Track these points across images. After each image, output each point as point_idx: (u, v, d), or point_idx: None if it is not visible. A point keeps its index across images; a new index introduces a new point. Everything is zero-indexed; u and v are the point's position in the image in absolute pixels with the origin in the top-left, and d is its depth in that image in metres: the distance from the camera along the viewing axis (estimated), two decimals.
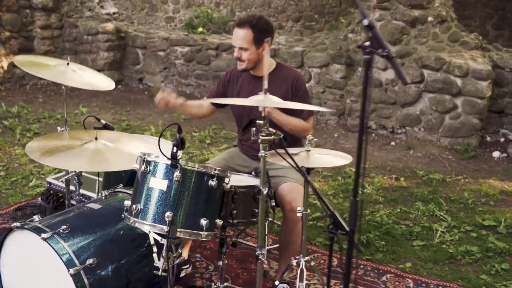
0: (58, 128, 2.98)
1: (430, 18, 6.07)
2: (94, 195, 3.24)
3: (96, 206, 2.47)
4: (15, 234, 2.24)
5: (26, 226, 2.20)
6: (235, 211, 2.33)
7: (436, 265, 3.37)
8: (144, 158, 2.16)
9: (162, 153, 2.07)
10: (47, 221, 2.26)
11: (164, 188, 2.09)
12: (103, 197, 2.62)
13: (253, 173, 2.88)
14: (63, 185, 3.21)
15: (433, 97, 5.87)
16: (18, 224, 2.23)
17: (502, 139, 5.98)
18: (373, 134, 6.12)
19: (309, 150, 2.42)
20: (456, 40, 6.06)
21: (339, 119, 6.51)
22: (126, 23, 9.13)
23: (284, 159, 2.19)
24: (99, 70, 7.16)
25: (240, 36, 2.83)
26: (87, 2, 8.47)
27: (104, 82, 2.98)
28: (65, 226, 2.19)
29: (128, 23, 9.68)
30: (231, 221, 2.32)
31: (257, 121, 2.10)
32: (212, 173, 2.15)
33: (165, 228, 2.07)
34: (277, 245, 3.08)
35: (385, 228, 3.78)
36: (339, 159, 2.36)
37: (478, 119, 5.71)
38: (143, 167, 2.13)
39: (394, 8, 6.12)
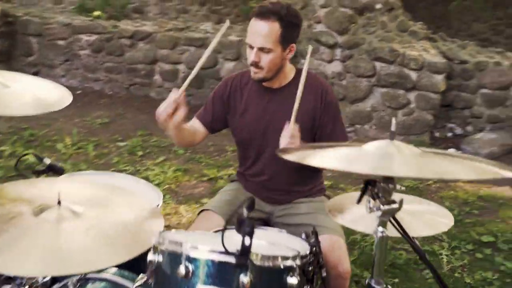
0: None
1: (378, 5, 5.58)
2: None
3: None
4: None
5: None
6: None
7: None
8: (181, 253, 1.28)
9: (226, 250, 1.21)
10: None
11: None
12: None
13: (303, 235, 1.92)
14: None
15: (386, 92, 5.43)
16: None
17: (449, 134, 5.73)
18: None
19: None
20: (405, 29, 5.66)
21: None
22: (13, 5, 7.60)
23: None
24: None
25: (264, 32, 1.97)
26: None
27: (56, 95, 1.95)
28: None
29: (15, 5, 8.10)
30: None
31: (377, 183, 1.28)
32: (294, 266, 1.33)
33: None
34: None
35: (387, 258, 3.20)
36: (442, 219, 1.63)
37: (432, 115, 5.38)
38: (180, 268, 1.25)
39: None
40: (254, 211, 2.18)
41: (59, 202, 1.48)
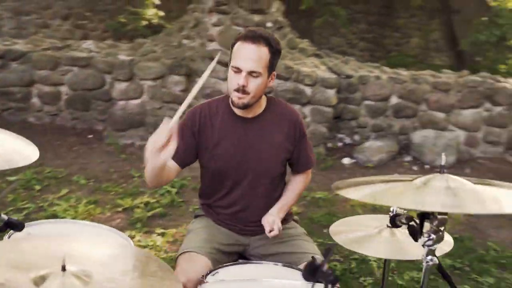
0: None
1: (269, 24, 5.74)
2: None
3: None
4: None
5: None
6: None
7: None
8: None
9: None
10: None
11: None
12: None
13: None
14: None
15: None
16: None
17: (339, 144, 6.10)
18: None
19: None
20: (294, 47, 5.91)
21: None
22: None
23: None
24: None
25: (255, 56, 1.90)
26: None
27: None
28: None
29: None
30: None
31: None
32: None
33: None
34: None
35: None
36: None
37: (326, 127, 5.68)
38: None
39: (234, 12, 5.59)
40: (230, 245, 2.11)
41: (63, 268, 1.27)
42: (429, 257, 1.33)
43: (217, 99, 2.21)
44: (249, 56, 1.90)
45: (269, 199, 2.14)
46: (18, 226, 1.70)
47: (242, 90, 1.92)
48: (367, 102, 5.94)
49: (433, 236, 1.27)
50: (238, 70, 1.92)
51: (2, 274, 1.27)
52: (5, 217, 1.68)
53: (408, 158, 5.78)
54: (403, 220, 1.48)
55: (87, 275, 1.29)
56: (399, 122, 5.98)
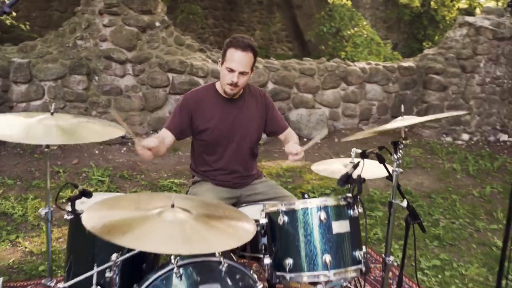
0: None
1: (157, 23, 6.24)
2: None
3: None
4: None
5: None
6: None
7: None
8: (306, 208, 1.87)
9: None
10: None
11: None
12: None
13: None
14: None
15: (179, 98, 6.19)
16: None
17: None
18: (129, 144, 5.88)
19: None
20: (181, 43, 6.49)
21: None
22: None
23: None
24: None
25: (245, 61, 2.55)
26: None
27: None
28: None
29: None
30: None
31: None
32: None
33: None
34: None
35: None
36: None
37: None
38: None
39: (125, 13, 5.98)
40: (228, 199, 2.74)
41: (172, 206, 1.85)
42: (398, 170, 2.19)
43: (203, 87, 2.86)
44: (240, 61, 2.55)
45: (251, 157, 2.84)
46: (89, 194, 2.15)
47: (235, 84, 2.58)
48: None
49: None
50: (231, 70, 2.57)
51: (133, 212, 1.81)
52: (81, 187, 2.13)
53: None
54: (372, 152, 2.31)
55: (188, 210, 1.88)
56: (277, 104, 6.96)
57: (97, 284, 2.01)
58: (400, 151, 2.20)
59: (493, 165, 6.11)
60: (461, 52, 7.51)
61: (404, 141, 2.25)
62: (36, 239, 3.49)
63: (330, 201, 1.94)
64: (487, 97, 7.62)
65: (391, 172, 2.28)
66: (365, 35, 10.29)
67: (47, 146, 2.17)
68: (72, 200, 2.13)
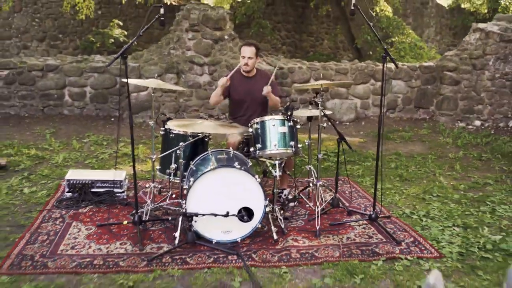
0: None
1: (226, 37, 8.62)
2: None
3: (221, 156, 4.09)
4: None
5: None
6: None
7: None
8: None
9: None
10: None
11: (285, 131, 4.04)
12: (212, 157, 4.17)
13: None
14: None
15: None
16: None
17: None
18: None
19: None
20: None
21: (176, 114, 8.41)
22: None
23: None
24: None
25: (249, 50, 4.75)
26: None
27: None
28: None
29: None
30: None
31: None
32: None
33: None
34: None
35: None
36: None
37: None
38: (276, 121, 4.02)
39: (203, 30, 8.42)
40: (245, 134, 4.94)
41: (206, 119, 4.09)
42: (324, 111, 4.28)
43: (234, 71, 5.07)
44: (248, 51, 4.75)
45: (261, 110, 5.01)
46: (169, 119, 4.44)
47: (246, 64, 4.78)
48: (295, 84, 8.94)
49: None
50: (244, 57, 4.78)
51: (195, 120, 4.09)
52: (168, 116, 4.43)
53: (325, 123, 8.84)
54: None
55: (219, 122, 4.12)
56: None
57: (174, 162, 4.29)
58: (321, 97, 4.27)
59: (483, 141, 7.73)
60: (473, 52, 9.11)
61: (321, 92, 4.30)
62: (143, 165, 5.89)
63: (279, 117, 4.08)
64: (498, 90, 9.13)
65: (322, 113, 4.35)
66: (409, 42, 12.00)
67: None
68: (164, 121, 4.42)
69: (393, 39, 11.98)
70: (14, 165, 5.52)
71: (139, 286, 3.12)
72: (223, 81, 4.63)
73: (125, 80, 3.93)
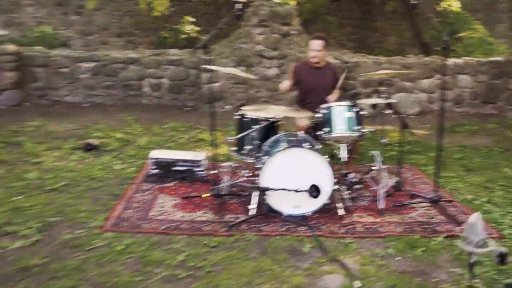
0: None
1: (293, 31, 8.98)
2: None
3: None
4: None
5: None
6: None
7: None
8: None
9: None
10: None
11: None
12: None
13: None
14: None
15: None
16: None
17: None
18: None
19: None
20: None
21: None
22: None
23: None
24: (1, 90, 7.85)
25: (318, 44, 5.10)
26: None
27: None
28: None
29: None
30: None
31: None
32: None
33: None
34: None
35: None
36: None
37: None
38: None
39: (272, 26, 8.83)
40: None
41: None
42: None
43: (301, 62, 5.42)
44: (316, 44, 5.09)
45: (320, 100, 5.31)
46: (244, 104, 4.87)
47: (315, 57, 5.13)
48: (361, 74, 9.17)
49: None
50: (312, 50, 5.12)
51: (268, 106, 4.49)
52: (242, 103, 4.86)
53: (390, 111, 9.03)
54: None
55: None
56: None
57: (248, 144, 4.70)
58: (385, 88, 4.54)
59: None
60: None
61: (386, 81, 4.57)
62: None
63: (346, 103, 4.41)
64: None
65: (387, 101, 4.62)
66: (478, 37, 11.86)
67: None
68: (239, 106, 4.85)
69: (461, 34, 11.89)
70: (104, 146, 6.16)
71: (221, 246, 3.56)
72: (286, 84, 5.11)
73: (207, 67, 4.39)
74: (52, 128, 7.07)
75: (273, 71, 8.84)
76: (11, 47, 8.53)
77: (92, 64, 8.92)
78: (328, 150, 5.09)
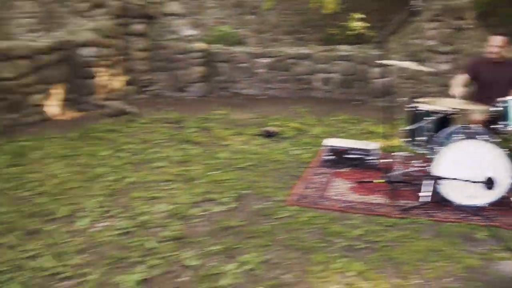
0: None
1: (467, 26, 8.73)
2: None
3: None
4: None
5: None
6: None
7: None
8: None
9: None
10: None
11: None
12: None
13: None
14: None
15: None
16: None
17: None
18: None
19: None
20: (484, 39, 8.78)
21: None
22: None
23: None
24: (192, 83, 8.88)
25: (496, 39, 5.08)
26: (169, 27, 10.00)
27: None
28: None
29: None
30: None
31: None
32: None
33: None
34: None
35: None
36: None
37: None
38: None
39: (446, 20, 8.70)
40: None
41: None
42: None
43: (478, 57, 5.38)
44: (495, 40, 5.05)
45: (499, 94, 5.18)
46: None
47: (491, 52, 5.07)
48: None
49: None
50: (491, 46, 5.08)
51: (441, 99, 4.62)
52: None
53: None
54: None
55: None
56: None
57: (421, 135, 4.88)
58: None
59: None
60: None
61: None
62: None
63: None
64: None
65: None
66: None
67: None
68: (411, 99, 5.05)
69: None
70: (281, 134, 6.81)
71: (395, 227, 3.87)
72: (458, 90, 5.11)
73: (383, 62, 4.68)
74: (235, 116, 7.96)
75: (444, 66, 8.71)
76: (200, 45, 9.72)
77: (268, 60, 9.73)
78: (508, 145, 5.02)
